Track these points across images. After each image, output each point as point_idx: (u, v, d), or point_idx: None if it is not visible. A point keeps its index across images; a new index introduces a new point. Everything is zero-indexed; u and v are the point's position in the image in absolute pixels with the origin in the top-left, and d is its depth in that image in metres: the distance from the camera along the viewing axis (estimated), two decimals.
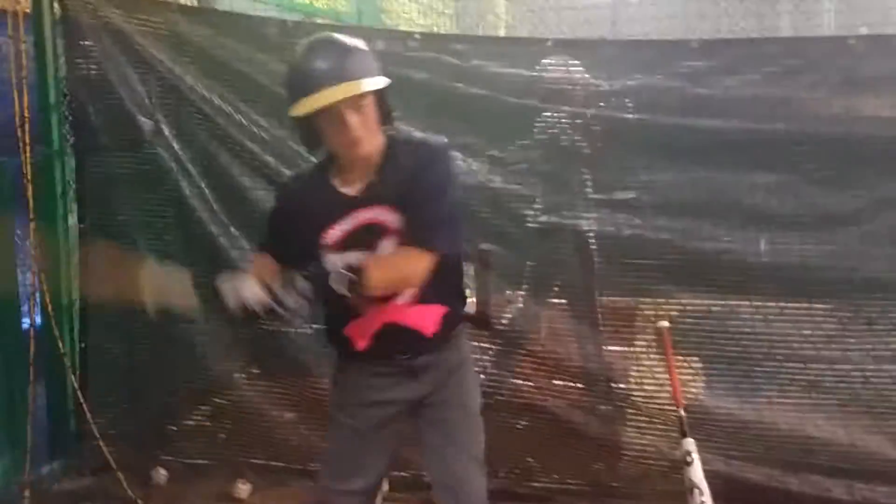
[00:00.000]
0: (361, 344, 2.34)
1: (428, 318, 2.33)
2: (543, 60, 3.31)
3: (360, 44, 2.23)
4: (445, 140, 2.29)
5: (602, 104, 3.28)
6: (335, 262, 2.22)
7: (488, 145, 3.36)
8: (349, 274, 2.13)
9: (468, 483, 2.38)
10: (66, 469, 3.79)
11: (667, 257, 3.20)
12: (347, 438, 2.41)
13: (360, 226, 2.26)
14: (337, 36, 2.25)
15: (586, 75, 3.27)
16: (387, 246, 2.25)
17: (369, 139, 2.20)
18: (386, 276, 2.19)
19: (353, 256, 2.23)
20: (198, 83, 3.59)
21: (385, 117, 2.25)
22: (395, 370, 2.36)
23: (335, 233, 2.26)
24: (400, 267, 2.23)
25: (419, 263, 2.19)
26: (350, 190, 2.27)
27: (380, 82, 2.20)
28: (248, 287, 2.12)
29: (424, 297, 2.30)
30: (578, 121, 3.31)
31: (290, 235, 2.32)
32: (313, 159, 3.51)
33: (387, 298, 2.28)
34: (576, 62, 3.26)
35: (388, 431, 2.41)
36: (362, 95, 2.16)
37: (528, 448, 3.52)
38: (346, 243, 2.26)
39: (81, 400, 3.64)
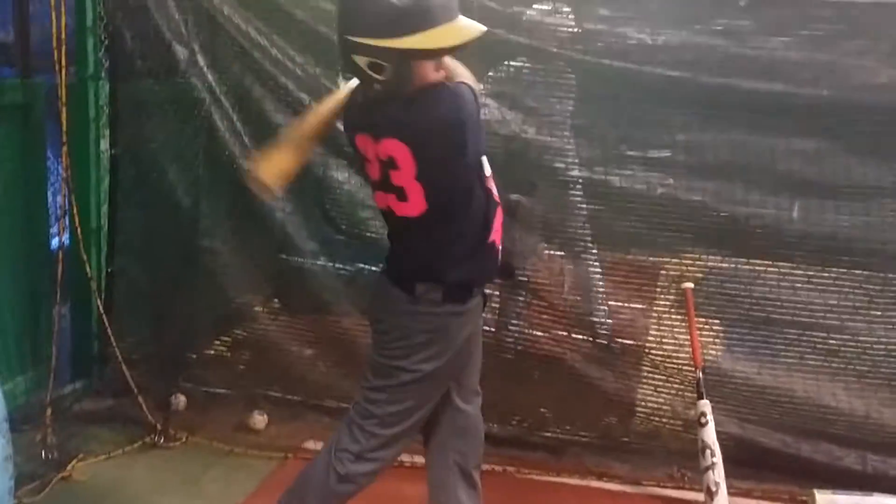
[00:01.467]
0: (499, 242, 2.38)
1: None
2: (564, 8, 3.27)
3: None
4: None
5: (643, 59, 3.22)
6: None
7: (524, 95, 3.33)
8: None
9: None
10: (88, 390, 3.86)
11: (697, 218, 3.18)
12: (440, 390, 2.40)
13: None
14: None
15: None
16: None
17: None
18: None
19: None
20: (235, 14, 3.57)
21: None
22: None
23: None
24: None
25: None
26: None
27: None
28: None
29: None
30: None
31: None
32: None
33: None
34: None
35: None
36: None
37: (542, 398, 3.55)
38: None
39: (105, 323, 3.69)
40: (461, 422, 2.48)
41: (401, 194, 2.23)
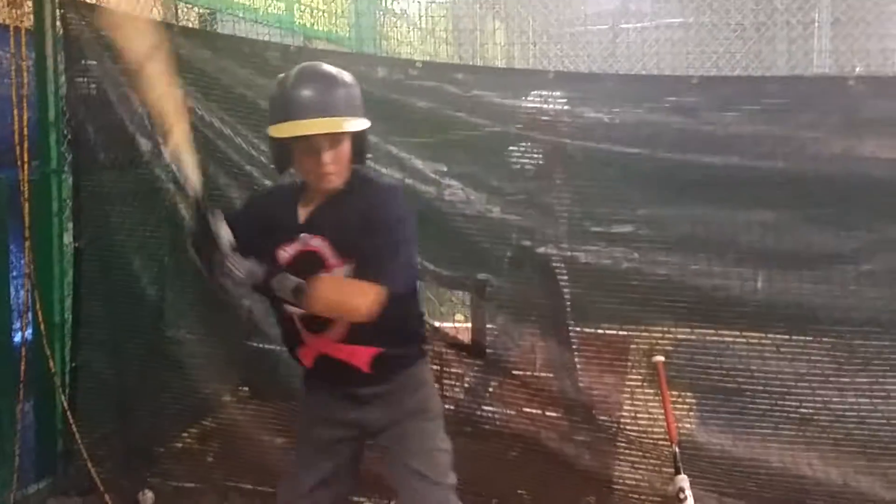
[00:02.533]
0: (308, 365, 2.45)
1: (358, 358, 2.37)
2: (533, 92, 3.34)
3: (349, 79, 2.32)
4: (398, 184, 2.42)
5: (602, 137, 3.27)
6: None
7: (487, 175, 3.36)
8: (297, 280, 2.18)
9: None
10: (53, 489, 3.75)
11: (663, 291, 3.19)
12: (309, 446, 2.52)
13: (304, 252, 2.33)
14: (329, 67, 2.33)
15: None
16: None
17: (338, 174, 2.29)
18: (330, 296, 2.22)
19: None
20: (198, 105, 3.59)
21: (358, 157, 2.34)
22: (343, 395, 2.44)
23: (284, 254, 2.35)
24: (346, 291, 2.25)
25: (366, 296, 2.19)
26: (303, 215, 2.36)
27: (360, 125, 2.29)
28: (223, 225, 2.21)
29: (353, 338, 2.34)
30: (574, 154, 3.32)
31: (251, 241, 2.29)
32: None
33: (320, 329, 2.34)
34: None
35: (346, 450, 2.49)
36: (341, 133, 2.25)
37: (519, 479, 3.49)
38: (293, 267, 2.30)
39: (70, 419, 3.61)
40: None
41: None
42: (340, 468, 2.50)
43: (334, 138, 2.24)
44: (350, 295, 2.22)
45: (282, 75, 2.34)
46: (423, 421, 2.46)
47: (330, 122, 2.22)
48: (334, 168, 2.26)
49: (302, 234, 2.34)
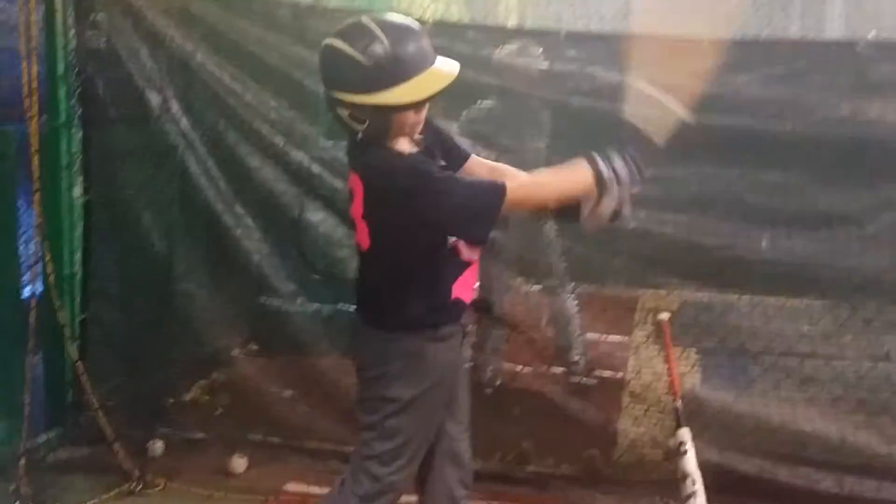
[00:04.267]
0: (468, 298, 2.35)
1: None
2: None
3: None
4: None
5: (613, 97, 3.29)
6: None
7: (497, 134, 3.39)
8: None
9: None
10: (63, 439, 3.79)
11: (670, 250, 3.24)
12: (430, 421, 2.37)
13: None
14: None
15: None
16: None
17: None
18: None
19: None
20: (208, 61, 3.60)
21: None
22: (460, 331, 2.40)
23: None
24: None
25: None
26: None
27: None
28: None
29: None
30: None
31: None
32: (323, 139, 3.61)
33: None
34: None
35: None
36: None
37: (524, 433, 3.56)
38: None
39: (80, 370, 3.64)
40: (456, 449, 2.49)
41: (355, 226, 2.31)
42: None
43: None
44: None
45: (359, 39, 2.08)
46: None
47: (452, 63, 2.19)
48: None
49: None
